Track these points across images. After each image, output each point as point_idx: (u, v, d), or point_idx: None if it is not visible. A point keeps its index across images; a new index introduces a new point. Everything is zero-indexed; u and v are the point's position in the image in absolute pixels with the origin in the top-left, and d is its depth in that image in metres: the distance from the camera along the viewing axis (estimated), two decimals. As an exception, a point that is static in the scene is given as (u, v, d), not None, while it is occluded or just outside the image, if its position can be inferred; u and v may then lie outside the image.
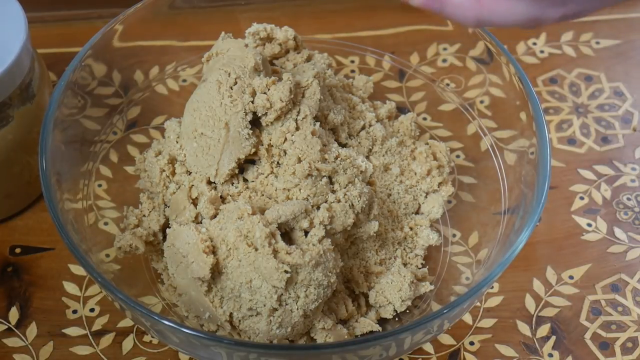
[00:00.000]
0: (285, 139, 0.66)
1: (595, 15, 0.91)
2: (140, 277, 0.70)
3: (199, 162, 0.67)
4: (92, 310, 0.71)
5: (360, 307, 0.69)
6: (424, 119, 0.80)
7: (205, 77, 0.69)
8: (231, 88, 0.66)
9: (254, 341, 0.64)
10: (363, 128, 0.73)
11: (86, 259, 0.61)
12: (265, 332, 0.63)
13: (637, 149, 0.82)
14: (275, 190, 0.66)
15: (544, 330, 0.71)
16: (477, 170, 0.76)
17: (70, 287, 0.73)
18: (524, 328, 0.71)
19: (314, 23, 0.82)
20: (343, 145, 0.71)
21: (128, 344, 0.70)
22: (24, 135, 0.72)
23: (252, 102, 0.66)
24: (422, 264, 0.72)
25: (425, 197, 0.73)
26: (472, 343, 0.70)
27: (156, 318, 0.59)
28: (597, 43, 0.89)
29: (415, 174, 0.73)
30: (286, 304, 0.63)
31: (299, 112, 0.66)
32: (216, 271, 0.63)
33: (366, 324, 0.68)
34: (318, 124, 0.67)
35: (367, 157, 0.72)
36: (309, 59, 0.74)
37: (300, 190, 0.65)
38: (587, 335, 0.71)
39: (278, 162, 0.67)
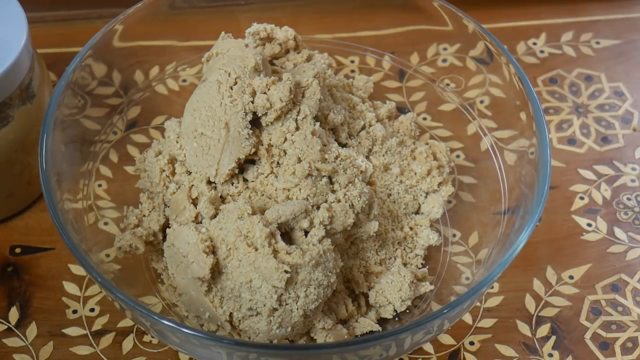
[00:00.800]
0: (285, 139, 0.66)
1: (595, 15, 0.91)
2: (140, 277, 0.70)
3: (199, 162, 0.67)
4: (92, 310, 0.71)
5: (360, 307, 0.69)
6: (424, 119, 0.80)
7: (205, 77, 0.69)
8: (231, 88, 0.66)
9: (254, 341, 0.64)
10: (363, 128, 0.73)
11: (86, 259, 0.61)
12: (265, 332, 0.63)
13: (637, 149, 0.82)
14: (275, 190, 0.66)
15: (544, 330, 0.71)
16: (477, 170, 0.76)
17: (70, 287, 0.73)
18: (524, 328, 0.71)
19: (314, 23, 0.82)
20: (343, 145, 0.71)
21: (128, 344, 0.70)
22: (24, 135, 0.72)
23: (252, 102, 0.66)
24: (422, 264, 0.72)
25: (425, 197, 0.73)
26: (472, 343, 0.70)
27: (156, 318, 0.59)
28: (597, 43, 0.89)
29: (415, 174, 0.73)
30: (286, 304, 0.63)
31: (299, 112, 0.66)
32: (216, 271, 0.63)
33: (366, 324, 0.68)
34: (318, 124, 0.67)
35: (367, 157, 0.72)
36: (309, 59, 0.74)
37: (300, 190, 0.65)
38: (587, 335, 0.71)
39: (278, 162, 0.67)
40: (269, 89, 0.66)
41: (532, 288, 0.73)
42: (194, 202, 0.68)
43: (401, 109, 0.79)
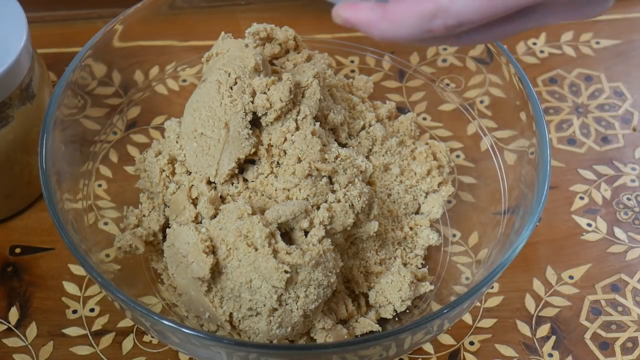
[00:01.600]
0: (285, 139, 0.66)
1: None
2: (140, 277, 0.70)
3: (198, 162, 0.67)
4: (92, 310, 0.71)
5: (360, 307, 0.69)
6: (424, 119, 0.80)
7: (205, 77, 0.69)
8: (231, 88, 0.66)
9: (254, 341, 0.64)
10: (363, 128, 0.73)
11: (86, 259, 0.61)
12: (265, 332, 0.63)
13: (637, 149, 0.82)
14: (275, 190, 0.66)
15: (544, 330, 0.71)
16: (477, 170, 0.76)
17: (70, 287, 0.73)
18: (524, 328, 0.71)
19: (314, 23, 0.82)
20: (343, 145, 0.71)
21: (128, 344, 0.70)
22: (24, 135, 0.72)
23: (252, 102, 0.66)
24: (422, 264, 0.72)
25: (425, 197, 0.73)
26: (472, 343, 0.70)
27: (156, 318, 0.59)
28: (597, 43, 0.89)
29: (415, 174, 0.73)
30: (286, 304, 0.63)
31: (298, 112, 0.66)
32: (216, 271, 0.63)
33: (366, 324, 0.68)
34: (318, 123, 0.67)
35: (367, 157, 0.72)
36: (309, 59, 0.74)
37: (300, 190, 0.65)
38: (587, 335, 0.71)
39: (278, 162, 0.67)
40: (268, 89, 0.66)
41: (532, 288, 0.73)
42: (194, 202, 0.68)
43: (401, 109, 0.79)
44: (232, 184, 0.67)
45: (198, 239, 0.63)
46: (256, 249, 0.62)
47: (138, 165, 0.72)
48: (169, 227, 0.67)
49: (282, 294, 0.62)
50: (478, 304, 0.72)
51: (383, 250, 0.70)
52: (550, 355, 0.70)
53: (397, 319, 0.69)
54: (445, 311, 0.59)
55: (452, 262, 0.72)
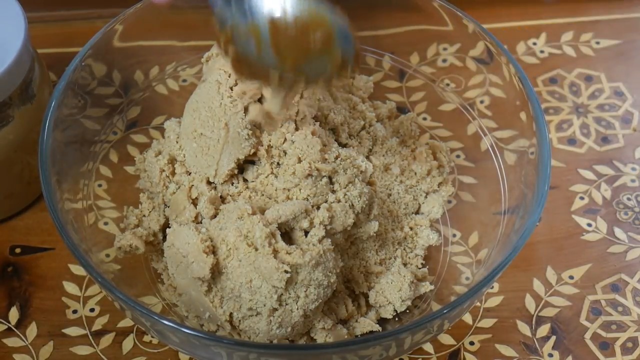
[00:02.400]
0: (285, 140, 0.66)
1: (595, 15, 0.91)
2: (140, 277, 0.70)
3: (198, 163, 0.67)
4: (92, 310, 0.71)
5: (360, 307, 0.69)
6: (424, 119, 0.80)
7: (205, 77, 0.69)
8: (231, 89, 0.66)
9: (254, 341, 0.64)
10: (363, 128, 0.73)
11: (86, 259, 0.61)
12: (265, 332, 0.63)
13: (637, 149, 0.82)
14: (275, 190, 0.66)
15: (544, 330, 0.71)
16: (477, 170, 0.76)
17: (70, 287, 0.73)
18: (524, 328, 0.71)
19: (314, 23, 0.82)
20: (343, 145, 0.71)
21: (128, 344, 0.70)
22: (24, 135, 0.72)
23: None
24: (422, 264, 0.72)
25: (425, 197, 0.73)
26: (472, 343, 0.70)
27: (156, 318, 0.59)
28: (597, 43, 0.89)
29: (416, 174, 0.73)
30: (286, 304, 0.63)
31: (297, 113, 0.66)
32: (216, 271, 0.63)
33: (366, 324, 0.68)
34: (318, 123, 0.67)
35: (367, 157, 0.72)
36: (309, 58, 0.74)
37: (300, 190, 0.65)
38: (587, 335, 0.71)
39: (278, 163, 0.67)
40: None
41: (532, 288, 0.73)
42: (194, 202, 0.68)
43: (401, 109, 0.79)
44: (232, 184, 0.67)
45: (198, 238, 0.63)
46: (256, 249, 0.62)
47: (138, 165, 0.72)
48: (169, 227, 0.67)
49: (282, 294, 0.62)
50: (478, 304, 0.72)
51: (383, 250, 0.70)
52: (551, 355, 0.70)
53: (397, 319, 0.69)
54: (445, 311, 0.59)
55: (452, 262, 0.72)
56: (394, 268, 0.69)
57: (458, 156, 0.78)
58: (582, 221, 0.77)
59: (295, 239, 0.64)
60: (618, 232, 0.76)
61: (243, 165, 0.67)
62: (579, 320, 0.71)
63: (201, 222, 0.67)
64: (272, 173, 0.66)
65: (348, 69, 0.60)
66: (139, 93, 0.78)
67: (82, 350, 0.69)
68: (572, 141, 0.82)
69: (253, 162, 0.67)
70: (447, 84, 0.80)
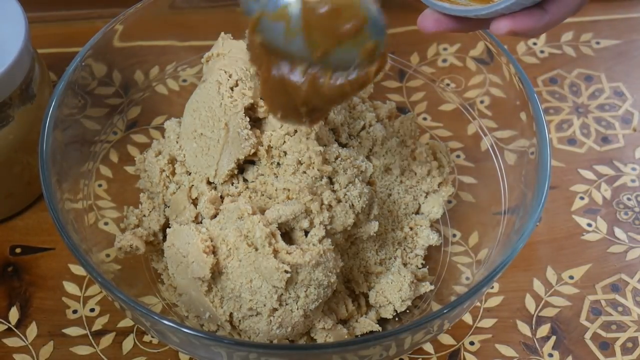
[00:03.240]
0: (285, 140, 0.66)
1: (595, 15, 0.91)
2: (141, 277, 0.70)
3: (198, 163, 0.67)
4: (92, 310, 0.71)
5: (360, 307, 0.69)
6: (424, 119, 0.80)
7: (205, 77, 0.69)
8: (231, 89, 0.66)
9: (254, 341, 0.64)
10: (363, 128, 0.73)
11: (86, 259, 0.61)
12: (266, 332, 0.63)
13: (637, 149, 0.82)
14: (276, 190, 0.66)
15: (544, 330, 0.71)
16: (477, 170, 0.76)
17: (71, 287, 0.73)
18: (524, 328, 0.71)
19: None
20: (343, 146, 0.71)
21: (128, 344, 0.70)
22: (25, 135, 0.72)
23: (252, 104, 0.66)
24: (422, 264, 0.72)
25: (426, 197, 0.73)
26: (472, 343, 0.70)
27: (156, 318, 0.59)
28: (597, 43, 0.89)
29: (416, 174, 0.73)
30: (286, 304, 0.63)
31: None
32: (216, 271, 0.63)
33: (366, 324, 0.68)
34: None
35: (368, 157, 0.72)
36: (309, 59, 0.74)
37: (300, 190, 0.65)
38: (587, 335, 0.71)
39: (278, 163, 0.66)
40: None
41: (532, 288, 0.73)
42: (194, 202, 0.68)
43: (401, 109, 0.79)
44: (232, 184, 0.67)
45: (198, 238, 0.63)
46: (256, 249, 0.62)
47: (138, 165, 0.72)
48: (169, 227, 0.67)
49: (282, 294, 0.62)
50: (478, 304, 0.72)
51: (383, 251, 0.70)
52: (551, 355, 0.70)
53: (397, 319, 0.69)
54: (445, 311, 0.59)
55: (452, 262, 0.72)
56: (394, 268, 0.69)
57: (458, 156, 0.78)
58: (582, 221, 0.77)
59: (296, 239, 0.64)
60: (618, 232, 0.76)
61: (243, 166, 0.67)
62: (579, 320, 0.71)
63: (201, 222, 0.67)
64: (272, 173, 0.66)
65: (375, 65, 0.57)
66: (139, 93, 0.78)
67: (82, 350, 0.69)
68: (572, 141, 0.82)
69: (253, 162, 0.67)
70: (447, 84, 0.80)
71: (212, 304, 0.64)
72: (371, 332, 0.68)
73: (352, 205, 0.66)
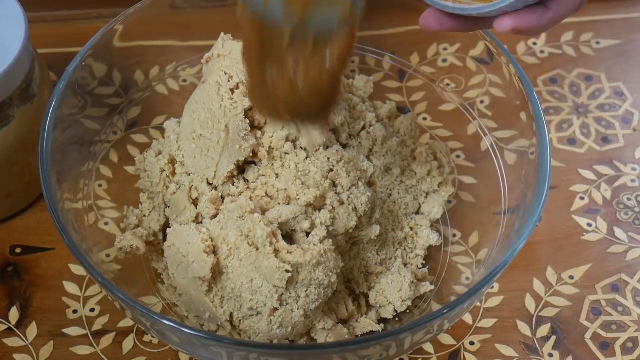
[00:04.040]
0: (287, 141, 0.66)
1: (595, 15, 0.91)
2: (141, 277, 0.70)
3: (197, 164, 0.67)
4: (92, 310, 0.71)
5: (360, 307, 0.69)
6: (424, 119, 0.80)
7: (205, 78, 0.69)
8: (232, 92, 0.66)
9: (254, 341, 0.64)
10: (363, 128, 0.73)
11: (86, 259, 0.61)
12: (266, 332, 0.63)
13: (638, 149, 0.82)
14: (277, 191, 0.66)
15: (544, 330, 0.71)
16: (477, 170, 0.76)
17: (71, 287, 0.73)
18: (524, 328, 0.71)
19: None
20: (344, 146, 0.71)
21: (128, 344, 0.70)
22: (25, 135, 0.72)
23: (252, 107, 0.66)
24: (422, 264, 0.72)
25: (426, 197, 0.73)
26: (472, 343, 0.70)
27: (156, 318, 0.59)
28: (598, 43, 0.89)
29: (416, 174, 0.73)
30: (287, 304, 0.63)
31: None
32: (217, 271, 0.63)
33: (366, 324, 0.68)
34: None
35: (368, 158, 0.72)
36: (309, 59, 0.74)
37: (301, 191, 0.65)
38: (587, 335, 0.71)
39: (282, 164, 0.66)
40: None
41: (532, 288, 0.73)
42: (195, 202, 0.68)
43: (401, 109, 0.79)
44: (233, 184, 0.67)
45: (199, 238, 0.63)
46: (257, 249, 0.62)
47: (138, 165, 0.72)
48: (169, 227, 0.67)
49: (282, 294, 0.62)
50: (478, 304, 0.72)
51: (383, 251, 0.70)
52: (551, 355, 0.70)
53: (397, 319, 0.69)
54: (445, 311, 0.59)
55: (453, 262, 0.72)
56: (394, 268, 0.69)
57: (458, 156, 0.78)
58: (582, 221, 0.77)
59: (297, 240, 0.64)
60: (618, 232, 0.76)
61: (244, 166, 0.67)
62: (579, 320, 0.71)
63: (201, 222, 0.67)
64: (273, 173, 0.66)
65: (355, 22, 0.56)
66: (139, 93, 0.78)
67: (82, 350, 0.69)
68: (572, 141, 0.82)
69: (254, 163, 0.67)
70: (447, 84, 0.80)
71: (212, 304, 0.64)
72: (371, 332, 0.68)
73: (355, 208, 0.66)
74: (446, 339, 0.70)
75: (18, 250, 0.75)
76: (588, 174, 0.80)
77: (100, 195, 0.73)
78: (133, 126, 0.78)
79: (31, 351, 0.69)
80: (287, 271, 0.61)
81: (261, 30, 0.56)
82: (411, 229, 0.72)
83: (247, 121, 0.66)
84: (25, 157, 0.74)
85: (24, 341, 0.70)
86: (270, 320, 0.63)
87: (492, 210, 0.72)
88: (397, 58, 0.81)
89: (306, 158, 0.66)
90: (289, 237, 0.65)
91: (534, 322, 0.71)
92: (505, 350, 0.70)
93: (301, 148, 0.66)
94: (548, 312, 0.72)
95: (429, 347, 0.70)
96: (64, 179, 0.67)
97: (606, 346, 0.70)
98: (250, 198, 0.66)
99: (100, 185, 0.74)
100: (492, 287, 0.73)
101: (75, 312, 0.71)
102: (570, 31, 0.90)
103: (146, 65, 0.78)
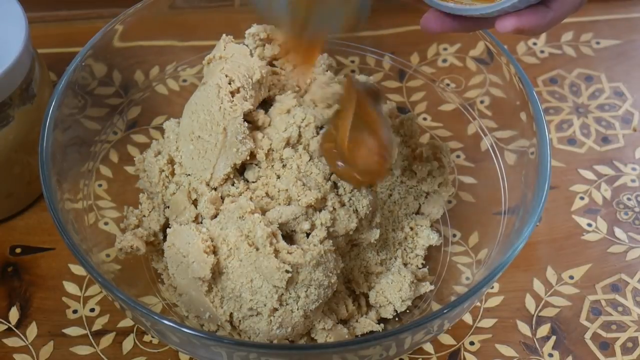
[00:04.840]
0: (286, 143, 0.66)
1: (595, 15, 0.91)
2: (141, 277, 0.70)
3: (194, 165, 0.67)
4: (92, 310, 0.71)
5: (360, 307, 0.69)
6: (424, 119, 0.80)
7: (205, 79, 0.69)
8: (232, 95, 0.66)
9: (254, 341, 0.64)
10: (363, 128, 0.73)
11: (86, 259, 0.61)
12: (266, 332, 0.63)
13: (637, 149, 0.82)
14: (278, 191, 0.66)
15: (544, 330, 0.71)
16: (477, 170, 0.76)
17: (71, 287, 0.73)
18: (524, 328, 0.71)
19: (314, 23, 0.82)
20: (343, 146, 0.71)
21: (128, 344, 0.70)
22: (25, 135, 0.72)
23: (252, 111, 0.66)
24: (422, 264, 0.72)
25: (426, 197, 0.73)
26: (472, 343, 0.70)
27: (156, 318, 0.59)
28: (598, 43, 0.89)
29: (416, 174, 0.73)
30: (287, 304, 0.63)
31: (302, 119, 0.66)
32: (217, 271, 0.63)
33: (366, 324, 0.68)
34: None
35: (368, 157, 0.72)
36: (309, 59, 0.74)
37: (302, 192, 0.65)
38: (587, 335, 0.71)
39: (283, 165, 0.66)
40: None
41: (532, 288, 0.73)
42: (194, 202, 0.68)
43: (401, 109, 0.79)
44: (233, 184, 0.67)
45: (199, 238, 0.63)
46: (257, 249, 0.62)
47: (137, 166, 0.72)
48: (169, 227, 0.67)
49: (282, 294, 0.62)
50: (478, 304, 0.72)
51: (384, 251, 0.70)
52: (551, 355, 0.70)
53: (397, 319, 0.69)
54: (445, 311, 0.59)
55: (453, 262, 0.72)
56: (394, 268, 0.69)
57: (458, 156, 0.78)
58: (582, 221, 0.77)
59: (297, 241, 0.64)
60: (618, 232, 0.76)
61: (244, 166, 0.67)
62: (579, 320, 0.71)
63: (201, 223, 0.67)
64: (274, 174, 0.66)
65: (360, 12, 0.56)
66: (139, 93, 0.78)
67: (82, 350, 0.69)
68: (572, 141, 0.82)
69: (255, 163, 0.67)
70: (447, 84, 0.80)
71: (212, 304, 0.64)
72: (371, 332, 0.68)
73: (356, 210, 0.66)
74: (446, 339, 0.70)
75: (18, 250, 0.75)
76: (588, 174, 0.80)
77: (100, 195, 0.73)
78: (133, 126, 0.78)
79: (31, 351, 0.69)
80: (287, 271, 0.61)
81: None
82: (411, 229, 0.72)
83: (246, 124, 0.66)
84: (25, 157, 0.74)
85: (24, 341, 0.70)
86: (270, 320, 0.63)
87: (492, 210, 0.72)
88: (397, 58, 0.81)
89: (309, 160, 0.66)
90: (289, 238, 0.65)
91: (534, 322, 0.71)
92: (505, 350, 0.70)
93: (304, 150, 0.66)
94: (548, 312, 0.72)
95: (429, 347, 0.70)
96: (63, 179, 0.67)
97: (606, 346, 0.70)
98: (251, 198, 0.66)
99: (100, 185, 0.74)
100: (492, 287, 0.73)
101: (75, 312, 0.71)
102: (570, 31, 0.90)
103: (146, 65, 0.78)
